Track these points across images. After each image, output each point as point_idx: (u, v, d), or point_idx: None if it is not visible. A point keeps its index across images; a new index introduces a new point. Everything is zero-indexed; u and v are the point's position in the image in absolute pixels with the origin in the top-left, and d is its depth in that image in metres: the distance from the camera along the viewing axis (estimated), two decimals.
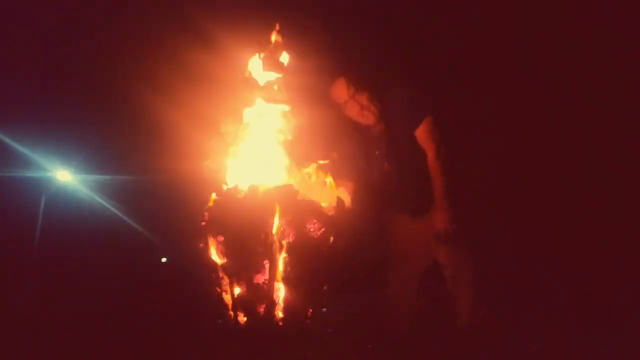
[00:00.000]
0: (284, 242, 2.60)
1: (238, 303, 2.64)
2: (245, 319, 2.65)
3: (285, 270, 2.61)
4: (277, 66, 2.94)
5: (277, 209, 2.61)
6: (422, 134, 3.06)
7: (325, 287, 2.79)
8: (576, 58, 4.89)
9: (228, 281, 2.66)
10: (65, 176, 9.24)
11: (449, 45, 4.85)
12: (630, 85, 4.79)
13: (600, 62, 4.84)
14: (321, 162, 2.91)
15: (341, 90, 3.06)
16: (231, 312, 2.66)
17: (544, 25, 4.89)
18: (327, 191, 2.84)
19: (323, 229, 2.66)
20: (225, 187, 2.79)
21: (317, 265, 2.70)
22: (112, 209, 9.21)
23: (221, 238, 2.65)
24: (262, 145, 2.92)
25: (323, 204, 2.76)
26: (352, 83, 3.04)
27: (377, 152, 3.19)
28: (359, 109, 3.07)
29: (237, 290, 2.63)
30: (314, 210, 2.68)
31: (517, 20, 4.92)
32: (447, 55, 4.83)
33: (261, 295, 2.60)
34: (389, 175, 3.18)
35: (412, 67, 4.47)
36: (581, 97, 4.93)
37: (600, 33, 4.74)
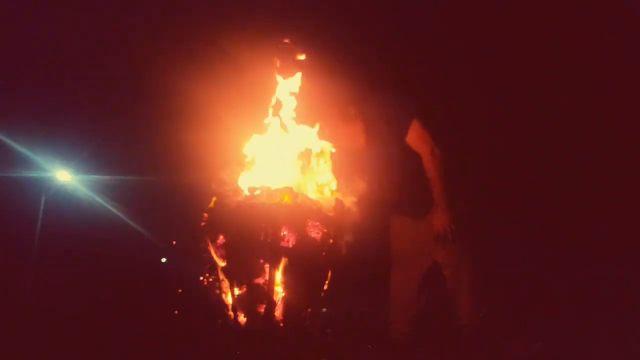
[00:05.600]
0: (284, 244, 2.60)
1: (238, 304, 2.64)
2: (245, 319, 2.65)
3: (285, 272, 2.61)
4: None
5: (278, 211, 2.62)
6: (413, 137, 3.06)
7: (325, 288, 2.79)
8: (569, 54, 4.91)
9: (228, 283, 2.66)
10: (65, 176, 9.25)
11: (436, 47, 4.86)
12: (625, 82, 4.81)
13: (592, 59, 4.85)
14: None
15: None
16: (231, 313, 2.66)
17: (535, 22, 4.90)
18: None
19: (323, 231, 2.66)
20: (225, 189, 2.79)
21: (317, 266, 2.70)
22: (112, 209, 9.22)
23: (221, 240, 2.65)
24: (266, 148, 2.93)
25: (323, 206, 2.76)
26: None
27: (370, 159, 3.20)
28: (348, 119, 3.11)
29: (237, 292, 2.63)
30: (315, 212, 2.69)
31: (508, 18, 4.94)
32: (435, 57, 4.84)
33: (261, 296, 2.60)
34: (384, 180, 3.19)
35: (394, 71, 4.47)
36: (578, 93, 4.94)
37: (591, 30, 4.75)
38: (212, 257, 2.71)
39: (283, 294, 2.64)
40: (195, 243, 2.76)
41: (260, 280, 2.60)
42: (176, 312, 3.02)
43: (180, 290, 3.09)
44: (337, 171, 3.01)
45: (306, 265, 2.63)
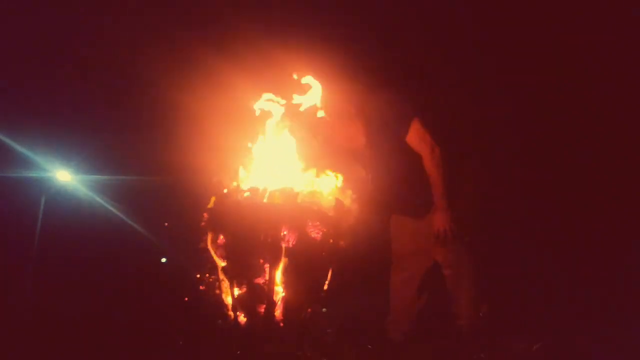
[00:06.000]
0: (285, 244, 2.60)
1: (238, 304, 2.64)
2: (245, 319, 2.65)
3: (285, 271, 2.61)
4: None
5: (278, 211, 2.62)
6: (413, 137, 3.06)
7: (325, 288, 2.79)
8: (569, 54, 4.90)
9: (228, 283, 2.66)
10: (65, 176, 9.25)
11: (436, 47, 4.86)
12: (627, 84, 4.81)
13: (593, 59, 4.85)
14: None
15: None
16: (231, 313, 2.66)
17: (536, 22, 4.90)
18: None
19: (323, 231, 2.66)
20: (225, 189, 2.79)
21: (317, 266, 2.70)
22: (112, 209, 9.22)
23: (221, 240, 2.65)
24: (266, 147, 2.93)
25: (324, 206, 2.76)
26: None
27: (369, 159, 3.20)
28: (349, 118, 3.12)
29: (237, 292, 2.64)
30: (315, 212, 2.69)
31: (508, 18, 4.94)
32: (434, 56, 4.83)
33: (261, 296, 2.60)
34: (384, 180, 3.19)
35: (395, 70, 4.47)
36: (579, 93, 4.94)
37: (591, 30, 4.75)
38: (212, 257, 2.71)
39: (283, 294, 2.64)
40: (195, 243, 2.76)
41: (260, 280, 2.60)
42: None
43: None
44: (337, 170, 3.01)
45: (306, 265, 2.63)
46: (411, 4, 5.00)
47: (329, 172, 2.93)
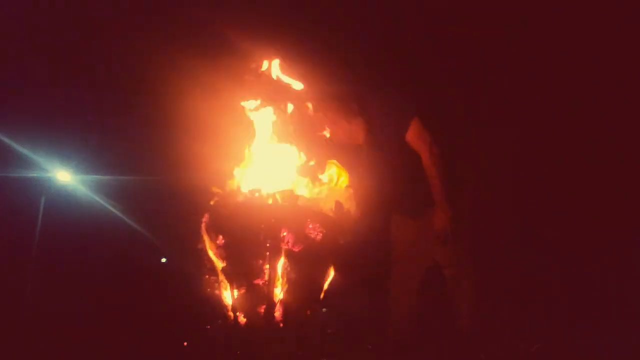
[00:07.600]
0: (284, 246, 2.60)
1: (238, 305, 2.64)
2: (245, 320, 2.65)
3: (285, 272, 2.61)
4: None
5: (278, 213, 2.61)
6: (412, 136, 3.06)
7: (325, 288, 2.80)
8: (570, 54, 4.90)
9: (228, 284, 2.66)
10: (65, 176, 9.25)
11: (436, 45, 4.85)
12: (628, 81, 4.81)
13: (594, 58, 4.85)
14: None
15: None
16: (231, 313, 2.66)
17: (536, 21, 4.90)
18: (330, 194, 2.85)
19: (323, 232, 2.66)
20: (225, 190, 2.79)
21: (317, 267, 2.70)
22: (112, 209, 9.22)
23: (221, 241, 2.65)
24: (266, 149, 2.93)
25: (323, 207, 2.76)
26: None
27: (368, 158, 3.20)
28: (348, 117, 3.11)
29: (237, 293, 2.64)
30: (315, 213, 2.68)
31: (509, 17, 4.94)
32: (434, 55, 4.83)
33: (261, 297, 2.60)
34: (384, 180, 3.18)
35: (396, 69, 4.47)
36: (579, 93, 4.94)
37: (592, 29, 4.75)
38: (212, 258, 2.71)
39: (283, 295, 2.64)
40: (195, 243, 2.77)
41: (259, 281, 2.60)
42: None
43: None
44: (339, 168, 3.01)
45: (306, 266, 2.63)
46: (412, 3, 5.00)
47: (329, 170, 2.93)
